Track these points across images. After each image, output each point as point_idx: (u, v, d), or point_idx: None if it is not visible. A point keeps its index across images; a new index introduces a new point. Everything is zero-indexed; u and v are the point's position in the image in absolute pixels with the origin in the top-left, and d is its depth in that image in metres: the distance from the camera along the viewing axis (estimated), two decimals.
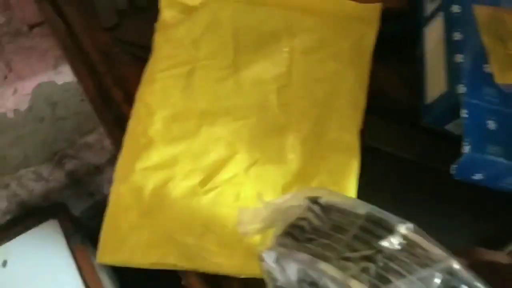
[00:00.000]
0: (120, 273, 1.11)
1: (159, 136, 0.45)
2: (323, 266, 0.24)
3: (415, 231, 0.25)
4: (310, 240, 0.26)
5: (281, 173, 0.44)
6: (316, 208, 0.27)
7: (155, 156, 0.44)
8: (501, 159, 0.38)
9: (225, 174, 0.43)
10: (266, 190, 0.43)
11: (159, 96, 0.47)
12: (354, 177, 0.43)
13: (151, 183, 0.43)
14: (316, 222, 0.27)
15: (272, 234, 0.29)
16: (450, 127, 0.44)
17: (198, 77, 0.48)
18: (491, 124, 0.39)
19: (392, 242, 0.24)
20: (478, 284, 0.23)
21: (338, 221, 0.26)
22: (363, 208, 0.27)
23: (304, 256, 0.25)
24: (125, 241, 0.41)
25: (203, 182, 0.43)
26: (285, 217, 0.29)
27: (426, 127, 0.47)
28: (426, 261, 0.24)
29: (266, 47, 0.49)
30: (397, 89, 0.50)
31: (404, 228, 0.25)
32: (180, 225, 0.41)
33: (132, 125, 0.46)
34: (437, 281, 0.23)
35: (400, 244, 0.24)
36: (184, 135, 0.45)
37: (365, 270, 0.23)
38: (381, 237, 0.24)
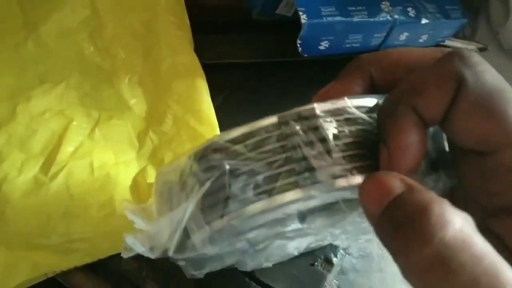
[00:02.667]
0: None
1: None
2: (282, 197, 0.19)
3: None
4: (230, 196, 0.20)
5: (130, 123, 0.38)
6: (222, 157, 0.21)
7: None
8: (338, 18, 0.37)
9: (67, 149, 0.36)
10: (121, 146, 0.37)
11: None
12: (207, 97, 0.39)
13: None
14: (232, 164, 0.20)
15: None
16: (282, 10, 0.42)
17: None
18: None
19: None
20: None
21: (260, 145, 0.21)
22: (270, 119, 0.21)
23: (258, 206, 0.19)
24: None
25: (45, 168, 0.35)
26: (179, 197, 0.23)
27: (261, 22, 0.44)
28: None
29: None
30: None
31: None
32: (36, 226, 0.34)
33: None
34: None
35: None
36: None
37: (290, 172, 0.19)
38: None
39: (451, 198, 0.21)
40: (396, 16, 0.40)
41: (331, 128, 0.19)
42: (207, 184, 0.19)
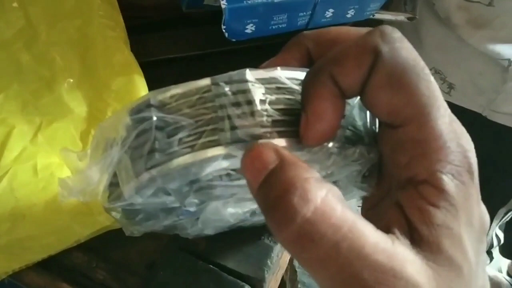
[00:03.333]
0: None
1: None
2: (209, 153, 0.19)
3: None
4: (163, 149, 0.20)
5: (72, 125, 0.39)
6: (154, 112, 0.21)
7: None
8: (258, 1, 0.38)
9: (10, 154, 0.37)
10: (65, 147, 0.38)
11: None
12: (145, 92, 0.41)
13: None
14: (162, 121, 0.20)
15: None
16: (209, 1, 0.43)
17: None
18: None
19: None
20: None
21: (190, 105, 0.22)
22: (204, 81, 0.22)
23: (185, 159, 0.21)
24: None
25: None
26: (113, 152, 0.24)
27: (193, 16, 0.46)
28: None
29: None
30: None
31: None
32: None
33: None
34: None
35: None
36: None
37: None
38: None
39: (379, 173, 0.23)
40: None
41: (258, 93, 0.20)
42: (134, 133, 0.21)
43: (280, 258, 0.39)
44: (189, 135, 0.20)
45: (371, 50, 0.19)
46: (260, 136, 0.20)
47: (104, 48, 0.42)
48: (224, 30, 0.38)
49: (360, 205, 0.25)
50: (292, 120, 0.20)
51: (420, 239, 0.17)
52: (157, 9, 0.47)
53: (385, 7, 0.50)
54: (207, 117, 0.20)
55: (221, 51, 0.46)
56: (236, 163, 0.20)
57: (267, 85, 0.21)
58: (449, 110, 0.19)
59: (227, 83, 0.20)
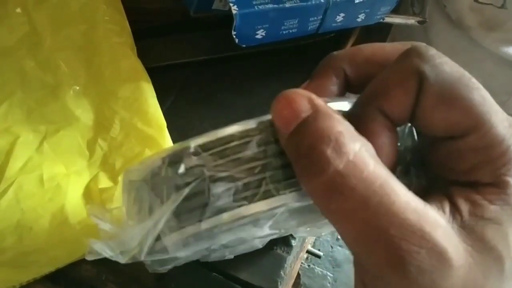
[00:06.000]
0: None
1: None
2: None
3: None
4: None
5: (78, 133, 0.39)
6: (196, 160, 0.20)
7: None
8: (270, 6, 0.38)
9: (15, 164, 0.36)
10: (71, 157, 0.38)
11: None
12: (153, 99, 0.40)
13: None
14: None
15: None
16: (217, 5, 0.42)
17: None
18: None
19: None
20: None
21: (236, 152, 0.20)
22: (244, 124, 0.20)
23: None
24: None
25: None
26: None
27: (201, 20, 0.45)
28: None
29: None
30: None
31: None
32: None
33: None
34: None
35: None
36: None
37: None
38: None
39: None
40: None
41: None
42: (186, 190, 0.19)
43: (293, 268, 0.38)
44: (243, 186, 0.19)
45: (414, 73, 0.19)
46: None
47: (110, 54, 0.41)
48: (234, 36, 0.37)
49: None
50: None
51: (463, 226, 0.17)
52: (163, 14, 0.46)
53: (394, 11, 0.49)
54: (259, 165, 0.19)
55: (229, 56, 0.45)
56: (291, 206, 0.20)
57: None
58: (505, 114, 0.19)
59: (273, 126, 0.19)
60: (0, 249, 0.33)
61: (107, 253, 0.22)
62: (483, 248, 0.17)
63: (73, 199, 0.36)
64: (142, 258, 0.22)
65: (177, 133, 0.40)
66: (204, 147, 0.19)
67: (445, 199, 0.18)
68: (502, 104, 0.58)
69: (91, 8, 0.42)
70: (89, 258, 0.23)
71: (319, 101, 0.18)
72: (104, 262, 0.35)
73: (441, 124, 0.19)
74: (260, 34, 0.39)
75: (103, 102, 0.40)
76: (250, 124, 0.19)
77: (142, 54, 0.42)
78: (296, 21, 0.40)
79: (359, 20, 0.45)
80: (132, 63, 0.41)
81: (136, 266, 0.34)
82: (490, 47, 0.56)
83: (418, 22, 0.48)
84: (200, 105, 0.44)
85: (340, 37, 0.49)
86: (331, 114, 0.18)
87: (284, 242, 0.37)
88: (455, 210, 0.18)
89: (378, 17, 0.46)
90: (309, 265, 1.13)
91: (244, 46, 0.39)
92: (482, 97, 0.18)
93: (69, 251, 0.35)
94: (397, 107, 0.19)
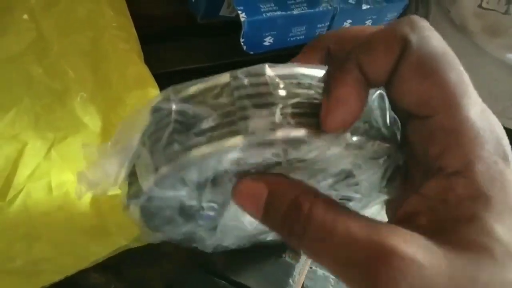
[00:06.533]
0: None
1: None
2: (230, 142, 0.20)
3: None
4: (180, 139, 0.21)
5: (87, 140, 0.38)
6: (173, 104, 0.21)
7: None
8: (278, 13, 0.38)
9: (23, 172, 0.36)
10: (80, 163, 0.36)
11: None
12: None
13: None
14: (181, 117, 0.21)
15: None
16: (225, 12, 0.42)
17: None
18: None
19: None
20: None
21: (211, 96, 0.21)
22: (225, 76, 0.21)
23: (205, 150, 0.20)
24: None
25: (2, 194, 0.35)
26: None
27: (207, 26, 0.45)
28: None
29: (0, 22, 0.41)
30: (162, 5, 0.46)
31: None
32: None
33: None
34: None
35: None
36: None
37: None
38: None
39: (405, 173, 0.23)
40: (336, 5, 0.41)
41: (276, 86, 0.20)
42: (153, 126, 0.21)
43: (301, 276, 0.38)
44: (207, 127, 0.20)
45: (400, 38, 0.19)
46: (279, 125, 0.19)
47: (118, 61, 0.41)
48: (242, 43, 0.37)
49: None
50: (310, 113, 0.20)
51: (437, 227, 0.17)
52: (168, 20, 0.46)
53: (400, 17, 0.49)
54: (226, 110, 0.20)
55: (235, 62, 0.45)
56: (253, 154, 0.20)
57: (285, 79, 0.20)
58: (480, 99, 0.19)
59: (246, 76, 0.20)
60: (9, 257, 0.33)
61: (87, 181, 0.23)
62: (461, 246, 0.17)
63: (81, 206, 0.36)
64: (117, 188, 0.23)
65: None
66: (181, 96, 0.21)
67: (422, 203, 0.18)
68: (505, 109, 0.57)
69: (98, 15, 0.42)
70: (78, 196, 0.24)
71: (270, 177, 0.20)
72: (113, 271, 0.35)
73: (413, 96, 0.19)
74: (268, 41, 0.39)
75: (110, 109, 0.40)
76: (224, 76, 0.21)
77: (148, 60, 0.42)
78: (304, 28, 0.40)
79: None
80: (139, 69, 0.41)
81: (145, 275, 0.34)
82: (494, 53, 0.56)
83: None
84: None
85: None
86: (283, 189, 0.20)
87: (292, 249, 0.37)
88: (433, 219, 0.18)
89: (385, 23, 0.47)
90: (311, 267, 1.13)
91: (251, 53, 0.39)
92: (459, 78, 0.18)
93: (77, 259, 0.34)
94: (375, 65, 0.19)
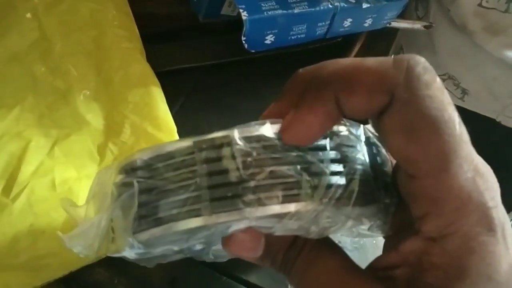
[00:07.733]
0: None
1: None
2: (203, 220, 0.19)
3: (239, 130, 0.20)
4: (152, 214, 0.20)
5: (89, 137, 0.39)
6: (140, 173, 0.21)
7: None
8: (279, 11, 0.38)
9: (27, 169, 0.36)
10: (82, 161, 0.38)
11: None
12: (163, 103, 0.40)
13: None
14: (148, 185, 0.20)
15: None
16: (226, 11, 0.43)
17: None
18: None
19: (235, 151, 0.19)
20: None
21: (175, 168, 0.20)
22: (186, 141, 0.20)
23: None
24: None
25: (6, 190, 0.36)
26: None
27: (209, 25, 0.45)
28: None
29: (4, 21, 0.41)
30: (164, 4, 0.47)
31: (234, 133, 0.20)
32: (3, 248, 0.34)
33: None
34: None
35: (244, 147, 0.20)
36: None
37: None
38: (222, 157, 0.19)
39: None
40: (336, 4, 0.41)
41: (243, 157, 0.19)
42: (119, 201, 0.20)
43: None
44: (173, 201, 0.19)
45: (387, 90, 0.17)
46: (248, 204, 0.18)
47: (120, 59, 0.41)
48: (244, 41, 0.38)
49: None
50: (278, 183, 0.19)
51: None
52: (171, 19, 0.46)
53: (400, 15, 0.49)
54: (190, 183, 0.19)
55: (237, 61, 0.45)
56: (219, 228, 0.20)
57: (254, 143, 0.19)
58: (475, 164, 0.17)
59: (210, 148, 0.19)
60: (14, 253, 0.34)
61: (71, 244, 0.23)
62: None
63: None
64: (94, 253, 0.23)
65: (185, 137, 0.40)
66: (146, 163, 0.20)
67: (400, 257, 0.18)
68: (505, 107, 0.58)
69: (100, 14, 0.43)
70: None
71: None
72: (117, 266, 0.35)
73: (399, 153, 0.18)
74: (269, 39, 0.39)
75: (113, 107, 0.40)
76: (186, 143, 0.20)
77: (151, 59, 0.43)
78: (305, 26, 0.41)
79: (366, 25, 0.45)
80: (141, 68, 0.42)
81: (148, 271, 0.34)
82: (494, 52, 0.56)
83: (424, 26, 0.48)
84: (208, 109, 0.45)
85: (347, 41, 0.50)
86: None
87: None
88: (407, 267, 0.18)
89: (384, 22, 0.47)
90: None
91: (253, 51, 0.39)
92: (448, 144, 0.17)
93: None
94: (354, 107, 0.18)
